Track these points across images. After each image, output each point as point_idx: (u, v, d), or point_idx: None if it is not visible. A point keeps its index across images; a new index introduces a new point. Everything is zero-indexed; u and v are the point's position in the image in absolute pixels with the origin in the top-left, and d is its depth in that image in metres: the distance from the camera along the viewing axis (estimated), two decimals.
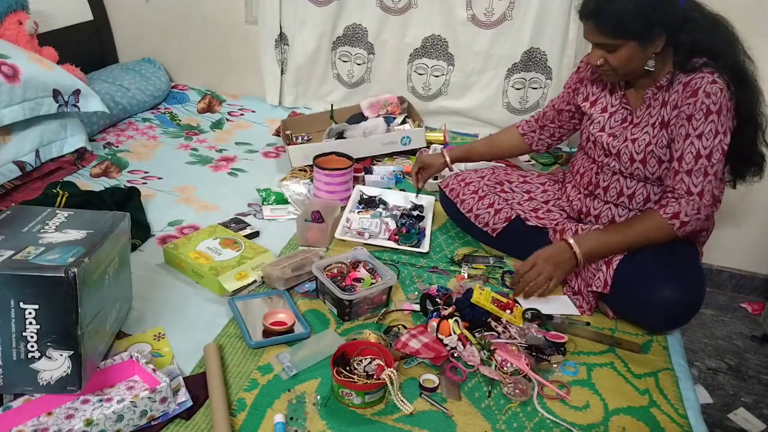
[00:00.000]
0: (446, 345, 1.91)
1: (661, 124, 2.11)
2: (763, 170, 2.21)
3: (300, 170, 3.10)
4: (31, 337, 1.50)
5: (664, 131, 2.11)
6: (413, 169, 2.81)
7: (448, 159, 2.74)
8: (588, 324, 2.15)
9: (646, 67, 2.10)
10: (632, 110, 2.23)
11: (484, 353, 1.90)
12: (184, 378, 1.76)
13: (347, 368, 1.77)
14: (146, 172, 3.05)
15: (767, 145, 2.17)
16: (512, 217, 2.45)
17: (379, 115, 3.49)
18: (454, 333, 1.94)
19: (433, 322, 1.97)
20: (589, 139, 2.34)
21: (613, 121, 2.27)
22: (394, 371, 1.73)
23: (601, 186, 2.30)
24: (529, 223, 2.43)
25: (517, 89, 3.58)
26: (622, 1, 1.96)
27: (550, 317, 2.11)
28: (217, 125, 3.70)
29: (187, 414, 1.65)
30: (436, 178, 2.90)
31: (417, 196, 2.81)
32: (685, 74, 2.05)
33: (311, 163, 2.89)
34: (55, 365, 1.53)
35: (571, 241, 2.15)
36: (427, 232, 2.57)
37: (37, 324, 1.49)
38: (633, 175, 2.21)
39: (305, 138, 3.44)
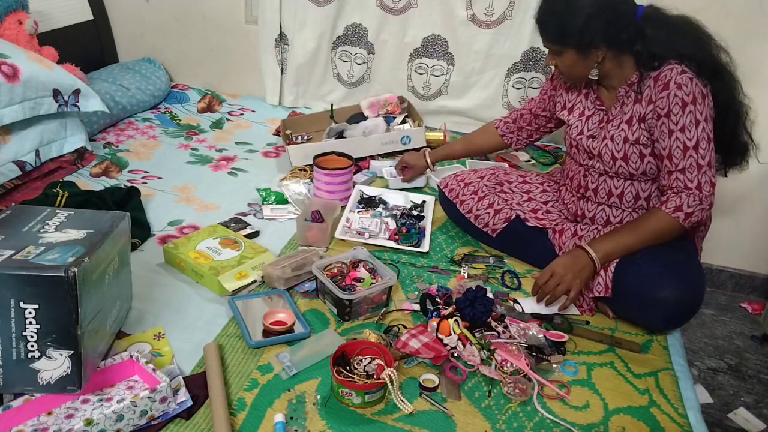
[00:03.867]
0: (446, 345, 1.91)
1: (639, 120, 2.13)
2: (747, 159, 2.24)
3: (300, 170, 3.10)
4: (31, 336, 1.50)
5: (640, 125, 2.12)
6: (397, 166, 2.99)
7: (429, 161, 2.89)
8: (587, 323, 2.16)
9: (590, 76, 2.18)
10: (607, 110, 2.25)
11: (484, 353, 1.90)
12: (184, 378, 1.76)
13: (347, 368, 1.77)
14: (146, 172, 3.05)
15: (748, 133, 2.19)
16: (512, 218, 2.45)
17: (379, 115, 3.49)
18: (454, 333, 1.94)
19: (433, 322, 1.97)
20: (572, 145, 2.36)
21: (590, 123, 2.29)
22: (394, 371, 1.73)
23: (590, 188, 2.31)
24: (529, 224, 2.43)
25: (517, 89, 3.58)
26: (563, 14, 2.07)
27: (550, 318, 2.11)
28: (217, 125, 3.70)
29: (187, 414, 1.65)
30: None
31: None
32: (653, 70, 2.08)
33: (311, 162, 2.89)
34: (55, 365, 1.53)
35: (586, 246, 2.12)
36: (427, 232, 2.57)
37: (37, 324, 1.49)
38: (618, 174, 2.22)
39: (305, 138, 3.44)
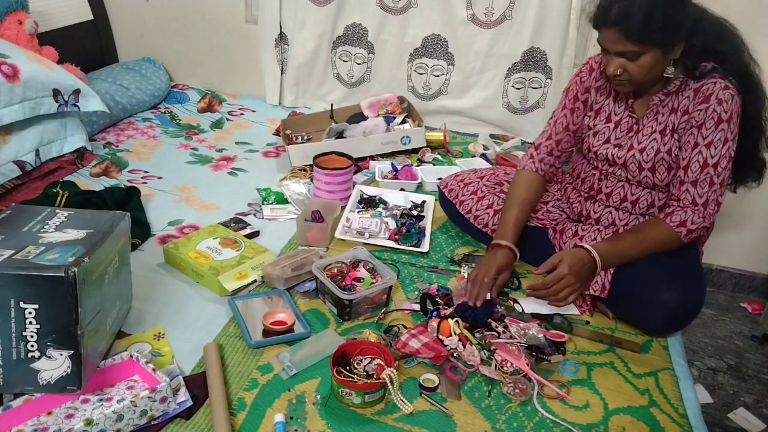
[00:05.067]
0: (447, 346, 1.91)
1: (672, 131, 2.08)
2: (763, 176, 2.20)
3: (300, 170, 3.10)
4: (31, 336, 1.50)
5: (673, 136, 2.08)
6: (484, 277, 2.13)
7: (514, 248, 2.25)
8: (587, 323, 2.16)
9: (665, 74, 2.05)
10: (638, 118, 2.16)
11: (484, 353, 1.90)
12: (184, 377, 1.76)
13: (347, 368, 1.77)
14: (146, 172, 3.06)
15: None
16: None
17: (379, 115, 3.49)
18: (455, 334, 1.94)
19: (434, 323, 1.97)
20: (590, 150, 2.27)
21: (618, 131, 2.20)
22: (394, 371, 1.73)
23: (603, 192, 2.27)
24: (529, 224, 2.42)
25: (517, 89, 3.58)
26: (647, 7, 1.86)
27: (550, 317, 2.11)
28: (217, 125, 3.70)
29: (187, 413, 1.65)
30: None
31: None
32: (695, 80, 2.02)
33: (311, 162, 2.89)
34: (55, 365, 1.53)
35: (591, 248, 2.07)
36: (427, 232, 2.57)
37: (37, 323, 1.49)
38: (641, 183, 2.18)
39: (305, 137, 3.44)
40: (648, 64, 1.94)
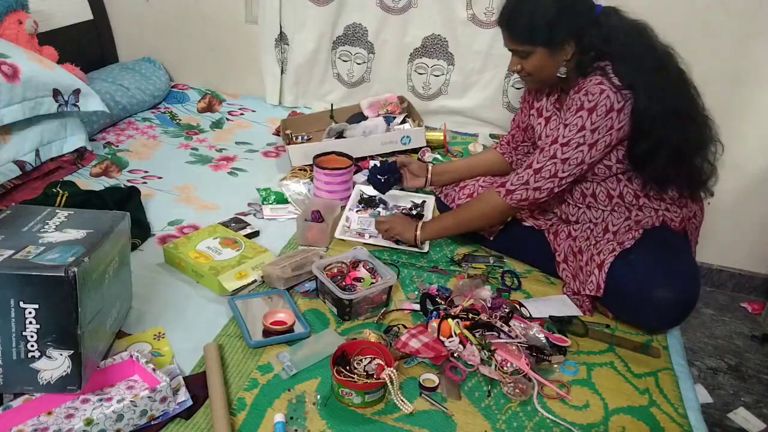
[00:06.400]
0: (447, 347, 1.91)
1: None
2: (705, 191, 2.22)
3: (300, 170, 3.10)
4: (31, 336, 1.50)
5: None
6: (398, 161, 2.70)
7: (429, 172, 2.73)
8: (608, 326, 2.16)
9: (558, 74, 2.15)
10: (558, 113, 2.29)
11: (484, 353, 1.90)
12: (184, 377, 1.76)
13: (347, 368, 1.77)
14: (146, 172, 3.05)
15: (711, 164, 2.15)
16: (508, 219, 2.45)
17: (379, 115, 3.49)
18: (455, 334, 1.94)
19: (434, 323, 1.97)
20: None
21: (548, 127, 2.31)
22: (394, 371, 1.73)
23: (566, 191, 2.30)
24: (526, 224, 2.44)
25: (517, 89, 3.58)
26: (531, 10, 2.04)
27: (569, 321, 2.11)
28: (217, 125, 3.70)
29: (187, 413, 1.66)
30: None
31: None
32: (583, 78, 2.09)
33: (311, 162, 2.89)
34: (55, 365, 1.53)
35: (420, 224, 2.43)
36: None
37: (37, 323, 1.49)
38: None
39: (305, 137, 3.44)
40: (537, 63, 2.12)
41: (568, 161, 2.08)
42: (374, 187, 2.69)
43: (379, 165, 2.70)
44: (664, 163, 2.07)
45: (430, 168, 2.73)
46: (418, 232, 2.41)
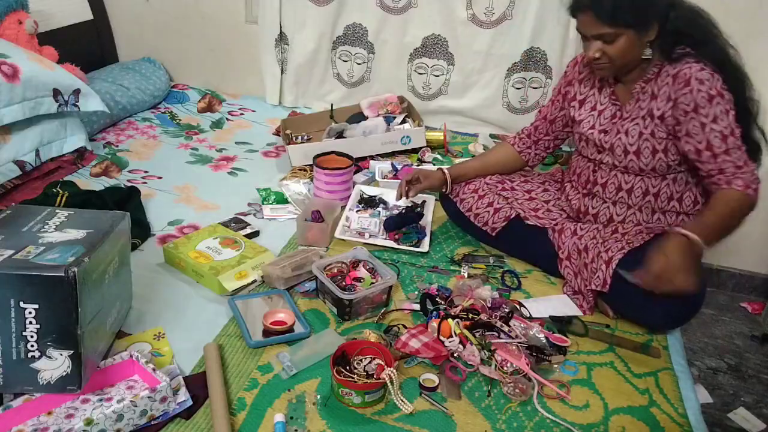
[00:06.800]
0: (447, 347, 1.91)
1: (651, 116, 2.13)
2: (759, 158, 2.20)
3: (300, 170, 3.10)
4: (31, 336, 1.50)
5: (656, 122, 2.12)
6: (405, 178, 2.57)
7: (448, 176, 2.59)
8: (607, 326, 2.16)
9: (643, 56, 2.11)
10: (621, 105, 2.24)
11: (484, 353, 1.90)
12: (184, 377, 1.76)
13: (347, 368, 1.77)
14: (146, 172, 3.06)
15: (761, 131, 2.17)
16: (511, 216, 2.45)
17: (379, 115, 3.49)
18: (455, 334, 1.93)
19: (434, 323, 1.97)
20: (581, 139, 2.35)
21: (602, 118, 2.28)
22: (394, 371, 1.73)
23: (599, 183, 2.30)
24: (529, 222, 2.43)
25: (517, 89, 3.58)
26: None
27: (569, 321, 2.11)
28: (217, 125, 3.70)
29: (187, 413, 1.66)
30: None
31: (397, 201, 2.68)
32: (672, 65, 2.06)
33: (311, 162, 2.89)
34: (55, 365, 1.53)
35: (687, 233, 1.95)
36: (427, 232, 2.57)
37: (37, 323, 1.49)
38: (628, 168, 2.21)
39: (305, 137, 3.44)
40: (624, 46, 2.04)
41: (742, 146, 2.04)
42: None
43: (395, 217, 2.60)
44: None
45: (448, 178, 2.59)
46: (697, 240, 1.95)
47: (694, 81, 1.99)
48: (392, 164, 3.14)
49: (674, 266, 1.88)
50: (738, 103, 2.06)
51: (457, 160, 3.30)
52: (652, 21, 2.02)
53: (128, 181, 2.93)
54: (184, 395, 1.68)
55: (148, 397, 1.57)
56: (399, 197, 2.58)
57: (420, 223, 2.59)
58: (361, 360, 1.81)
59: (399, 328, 2.01)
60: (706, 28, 2.08)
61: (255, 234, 2.55)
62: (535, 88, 3.57)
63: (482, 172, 2.63)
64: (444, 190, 2.63)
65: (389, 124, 3.40)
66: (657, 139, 2.13)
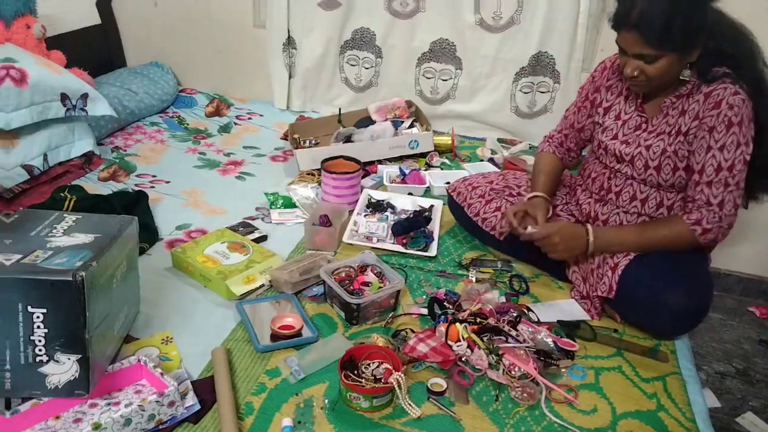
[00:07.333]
0: (455, 351, 1.91)
1: (678, 132, 2.08)
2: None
3: (308, 174, 3.10)
4: (39, 340, 1.50)
5: (681, 138, 2.07)
6: (511, 215, 2.27)
7: (545, 195, 2.37)
8: (615, 331, 2.16)
9: (681, 77, 2.04)
10: (648, 118, 2.17)
11: (492, 357, 1.90)
12: (192, 382, 1.76)
13: (355, 372, 1.77)
14: (154, 176, 3.06)
15: None
16: None
17: (387, 119, 3.49)
18: (463, 339, 1.93)
19: (442, 327, 1.97)
20: (600, 146, 2.29)
21: (626, 128, 2.21)
22: (402, 375, 1.73)
23: (613, 191, 2.26)
24: None
25: (525, 93, 3.58)
26: (668, 13, 1.86)
27: (577, 325, 2.10)
28: (224, 129, 3.70)
29: (195, 418, 1.66)
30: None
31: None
32: (706, 84, 2.01)
33: (319, 166, 2.89)
34: (63, 369, 1.53)
35: (590, 229, 2.17)
36: (435, 236, 2.57)
37: (45, 328, 1.50)
38: (646, 181, 2.17)
39: (313, 142, 3.44)
40: (664, 68, 1.96)
41: (738, 183, 2.00)
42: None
43: (403, 221, 2.62)
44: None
45: (544, 195, 2.38)
46: (591, 239, 2.16)
47: (725, 104, 1.95)
48: (400, 168, 3.13)
49: (559, 240, 2.15)
50: (765, 128, 2.03)
51: (465, 165, 3.30)
52: (697, 45, 1.95)
53: (136, 185, 2.94)
54: (192, 399, 1.68)
55: (156, 401, 1.57)
56: (509, 231, 2.35)
57: (428, 227, 2.60)
58: (369, 364, 1.81)
59: (407, 332, 2.01)
60: (747, 48, 2.02)
61: (263, 238, 2.55)
62: (543, 92, 3.56)
63: (555, 183, 2.49)
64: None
65: (397, 129, 3.40)
66: (680, 158, 2.08)
